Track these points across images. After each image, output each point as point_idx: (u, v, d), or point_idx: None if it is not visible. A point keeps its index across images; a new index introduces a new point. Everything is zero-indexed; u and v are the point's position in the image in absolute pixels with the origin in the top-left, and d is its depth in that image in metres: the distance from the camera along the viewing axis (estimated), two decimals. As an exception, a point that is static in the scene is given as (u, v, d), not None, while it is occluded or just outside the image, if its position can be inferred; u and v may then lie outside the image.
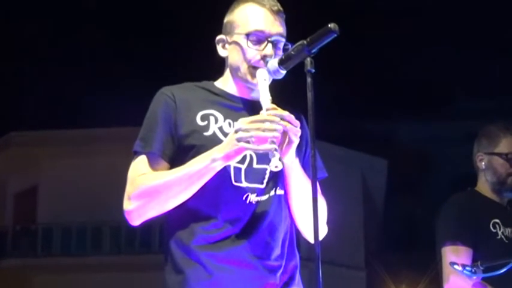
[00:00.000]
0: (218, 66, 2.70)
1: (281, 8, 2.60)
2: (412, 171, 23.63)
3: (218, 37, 2.65)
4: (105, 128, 19.46)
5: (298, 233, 2.62)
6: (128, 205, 2.47)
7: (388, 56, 23.49)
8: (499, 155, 3.80)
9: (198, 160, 2.41)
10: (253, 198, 2.47)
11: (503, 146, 3.81)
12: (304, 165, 2.56)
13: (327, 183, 2.69)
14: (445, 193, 3.92)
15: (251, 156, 2.49)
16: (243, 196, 2.46)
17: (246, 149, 2.35)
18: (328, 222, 2.62)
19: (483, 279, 3.43)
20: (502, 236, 3.69)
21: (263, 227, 2.47)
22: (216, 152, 2.38)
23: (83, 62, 21.65)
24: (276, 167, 2.29)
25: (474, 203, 3.78)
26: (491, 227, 3.69)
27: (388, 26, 23.40)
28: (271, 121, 2.32)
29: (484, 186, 3.85)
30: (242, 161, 2.47)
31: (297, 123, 2.38)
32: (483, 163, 3.84)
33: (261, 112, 2.38)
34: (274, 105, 2.38)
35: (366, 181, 22.46)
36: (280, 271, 2.50)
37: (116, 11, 21.86)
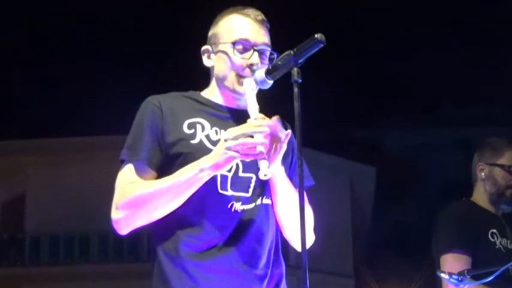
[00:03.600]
0: (203, 77, 2.71)
1: (265, 18, 2.62)
2: (400, 179, 23.64)
3: (203, 47, 2.67)
4: (92, 136, 19.42)
5: (285, 241, 2.63)
6: (115, 214, 2.47)
7: (376, 64, 23.54)
8: (501, 166, 3.83)
9: (187, 169, 2.41)
10: (238, 206, 2.47)
11: (505, 159, 3.85)
12: (290, 174, 2.57)
13: (315, 191, 2.69)
14: (434, 200, 3.94)
15: (237, 165, 2.50)
16: (227, 204, 2.47)
17: (235, 158, 2.35)
18: (316, 230, 2.63)
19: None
20: (500, 246, 3.71)
21: (249, 236, 2.48)
22: (204, 162, 2.38)
23: (70, 71, 21.59)
24: (265, 175, 2.30)
25: (473, 213, 3.80)
26: (490, 237, 3.72)
27: (375, 33, 23.48)
28: (259, 128, 2.33)
29: (481, 196, 3.88)
30: (228, 169, 2.47)
31: (289, 133, 2.40)
32: (483, 173, 3.86)
33: (249, 120, 2.39)
34: (262, 115, 2.40)
35: (354, 188, 22.47)
36: (266, 280, 2.51)
37: (106, 20, 21.85)
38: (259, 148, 2.31)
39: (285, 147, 2.40)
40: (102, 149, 17.44)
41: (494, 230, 3.74)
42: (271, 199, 2.55)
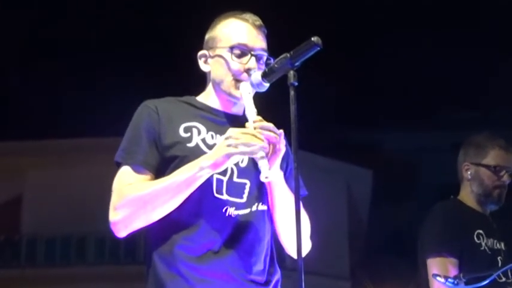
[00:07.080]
0: (199, 83, 2.71)
1: (262, 23, 2.63)
2: (397, 181, 23.62)
3: (200, 52, 2.67)
4: (89, 138, 19.41)
5: (280, 245, 2.62)
6: (113, 216, 2.45)
7: (373, 66, 23.53)
8: (487, 166, 3.79)
9: (186, 169, 2.41)
10: (232, 211, 2.47)
11: (490, 158, 3.80)
12: (286, 181, 2.56)
13: (312, 193, 2.69)
14: (431, 203, 3.90)
15: (232, 170, 2.50)
16: (222, 208, 2.47)
17: (235, 154, 2.35)
18: (312, 232, 2.62)
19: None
20: (486, 247, 3.67)
21: (245, 241, 2.48)
22: (204, 160, 2.39)
23: (68, 72, 21.57)
24: (266, 177, 2.30)
25: (459, 213, 3.75)
26: (476, 238, 3.68)
27: (371, 36, 23.47)
28: (259, 132, 2.34)
29: (468, 196, 3.83)
30: (224, 173, 2.48)
31: (281, 133, 2.40)
32: (469, 173, 3.82)
33: (247, 124, 2.39)
34: (260, 117, 2.40)
35: (350, 191, 22.48)
36: (262, 286, 2.51)
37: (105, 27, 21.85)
38: (260, 149, 2.32)
39: (283, 149, 2.41)
40: (100, 151, 17.38)
41: (481, 231, 3.70)
42: (268, 205, 2.55)
